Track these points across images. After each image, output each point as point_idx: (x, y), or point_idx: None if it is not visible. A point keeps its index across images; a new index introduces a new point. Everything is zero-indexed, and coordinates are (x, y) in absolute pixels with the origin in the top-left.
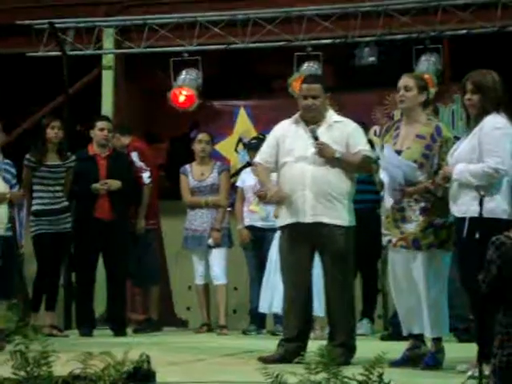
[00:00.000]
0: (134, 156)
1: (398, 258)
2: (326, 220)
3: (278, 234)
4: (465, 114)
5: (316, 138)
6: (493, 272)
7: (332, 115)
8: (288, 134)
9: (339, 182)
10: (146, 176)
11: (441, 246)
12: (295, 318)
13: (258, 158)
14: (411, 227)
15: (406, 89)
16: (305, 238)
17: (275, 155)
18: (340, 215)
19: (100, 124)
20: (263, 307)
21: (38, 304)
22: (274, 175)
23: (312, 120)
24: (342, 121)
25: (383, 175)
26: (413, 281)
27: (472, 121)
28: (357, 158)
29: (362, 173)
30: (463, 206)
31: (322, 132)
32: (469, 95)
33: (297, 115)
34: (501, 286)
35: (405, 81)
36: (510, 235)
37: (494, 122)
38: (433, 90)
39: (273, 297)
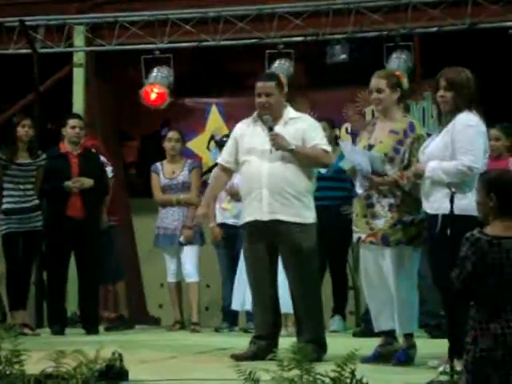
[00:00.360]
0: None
1: (368, 254)
2: (282, 217)
3: None
4: (436, 111)
5: (271, 129)
6: (468, 268)
7: (289, 112)
8: (246, 133)
9: (296, 179)
10: (109, 170)
11: (409, 242)
12: (262, 315)
13: (219, 159)
14: (380, 223)
15: (379, 91)
16: (263, 236)
17: (235, 154)
18: (297, 212)
19: (71, 122)
20: (236, 304)
21: (14, 302)
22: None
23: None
24: (298, 117)
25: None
26: (383, 277)
27: (444, 118)
28: (312, 151)
29: (319, 167)
30: (435, 203)
31: (278, 129)
32: (442, 92)
33: (254, 114)
34: (474, 283)
35: (376, 83)
36: (484, 231)
37: (466, 119)
38: (406, 84)
39: (245, 294)
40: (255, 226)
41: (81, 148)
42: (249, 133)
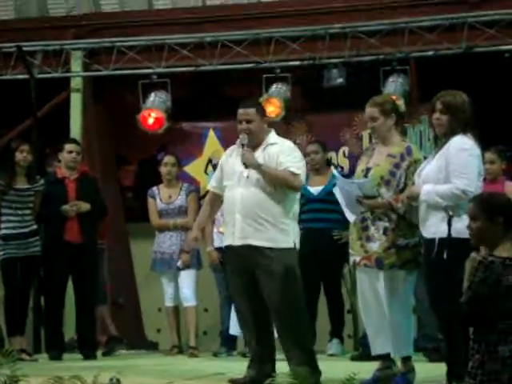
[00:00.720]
0: None
1: (364, 277)
2: (254, 242)
3: None
4: (432, 134)
5: (243, 146)
6: (483, 292)
7: (271, 138)
8: (230, 159)
9: (270, 204)
10: None
11: (403, 266)
12: (252, 341)
13: (208, 184)
14: (375, 246)
15: (373, 119)
16: (239, 262)
17: (221, 180)
18: (271, 237)
19: (68, 147)
20: (233, 329)
21: (13, 328)
22: None
23: (250, 144)
24: (277, 142)
25: (338, 195)
26: (379, 300)
27: (439, 141)
28: (280, 173)
29: (289, 189)
30: (432, 228)
31: (258, 155)
32: (437, 115)
33: (238, 140)
34: (485, 307)
35: (369, 112)
36: (495, 254)
37: (460, 142)
38: (402, 107)
39: None
40: (230, 252)
41: (78, 173)
42: (232, 159)
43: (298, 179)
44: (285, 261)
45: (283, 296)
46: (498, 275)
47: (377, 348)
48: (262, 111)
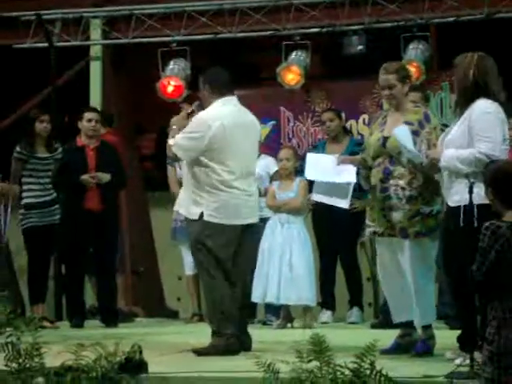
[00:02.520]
0: None
1: (384, 247)
2: (181, 211)
3: (269, 224)
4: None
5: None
6: (491, 258)
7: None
8: None
9: (188, 177)
10: None
11: (428, 233)
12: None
13: None
14: (398, 216)
15: (390, 87)
16: None
17: None
18: (186, 208)
19: (88, 115)
20: (256, 297)
21: (35, 296)
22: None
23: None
24: None
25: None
26: (401, 269)
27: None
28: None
29: None
30: (456, 195)
31: None
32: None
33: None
34: (498, 272)
35: (385, 79)
36: (502, 219)
37: (484, 106)
38: (422, 77)
39: (266, 286)
40: None
41: (97, 141)
42: None
43: (170, 148)
44: (192, 231)
45: (196, 265)
46: (507, 239)
47: (398, 316)
48: (206, 80)
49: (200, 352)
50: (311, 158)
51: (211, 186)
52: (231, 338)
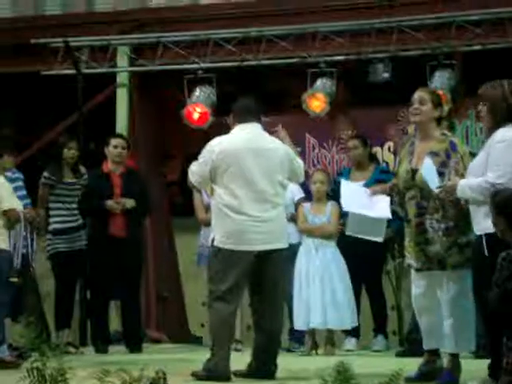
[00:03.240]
0: None
1: (422, 280)
2: None
3: (302, 249)
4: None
5: None
6: (510, 287)
7: None
8: None
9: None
10: None
11: (466, 264)
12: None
13: None
14: (435, 248)
15: (421, 102)
16: None
17: None
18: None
19: (114, 141)
20: (299, 325)
21: (61, 321)
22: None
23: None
24: None
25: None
26: (436, 300)
27: (485, 133)
28: None
29: None
30: (479, 225)
31: None
32: (480, 107)
33: None
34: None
35: (420, 94)
36: None
37: (502, 134)
38: (446, 108)
39: (309, 312)
40: None
41: (123, 167)
42: None
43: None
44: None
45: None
46: None
47: (430, 343)
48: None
49: (195, 375)
50: (346, 186)
51: (218, 210)
52: (220, 363)
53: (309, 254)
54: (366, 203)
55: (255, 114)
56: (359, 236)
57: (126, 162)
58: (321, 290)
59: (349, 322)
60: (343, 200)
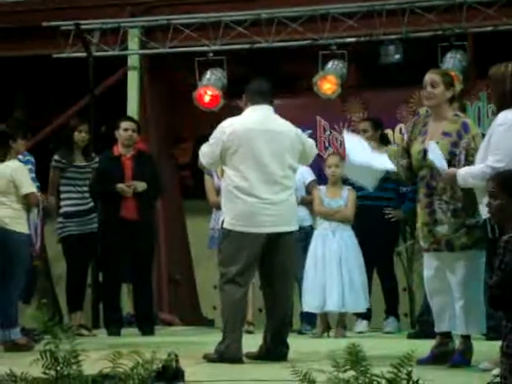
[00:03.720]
0: None
1: (431, 261)
2: None
3: (318, 232)
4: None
5: None
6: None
7: None
8: None
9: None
10: None
11: (474, 245)
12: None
13: None
14: (443, 229)
15: (433, 85)
16: None
17: None
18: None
19: (124, 124)
20: (315, 307)
21: (73, 304)
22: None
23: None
24: None
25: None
26: (446, 281)
27: (494, 115)
28: None
29: None
30: (484, 208)
31: None
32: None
33: None
34: None
35: (431, 77)
36: None
37: (502, 117)
38: (458, 88)
39: (326, 295)
40: None
41: (134, 150)
42: None
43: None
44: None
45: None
46: None
47: (441, 325)
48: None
49: (207, 357)
50: (349, 137)
51: (228, 192)
52: (231, 345)
53: (325, 238)
54: (369, 155)
55: (267, 96)
56: (353, 179)
57: (136, 145)
58: (338, 274)
59: (364, 305)
60: (348, 151)
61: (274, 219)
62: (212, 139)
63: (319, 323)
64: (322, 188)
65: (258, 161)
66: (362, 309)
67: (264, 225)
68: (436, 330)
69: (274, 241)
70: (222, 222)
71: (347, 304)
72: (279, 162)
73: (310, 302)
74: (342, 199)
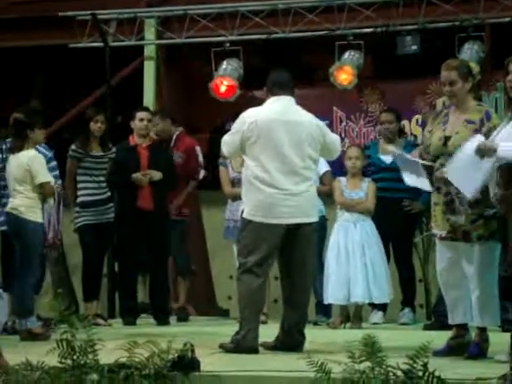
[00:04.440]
0: (199, 151)
1: (446, 250)
2: None
3: (340, 224)
4: (505, 97)
5: None
6: None
7: None
8: None
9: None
10: (202, 173)
11: (491, 237)
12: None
13: None
14: (461, 219)
15: (451, 84)
16: None
17: None
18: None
19: (139, 114)
20: (339, 299)
21: (89, 293)
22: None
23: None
24: None
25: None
26: (461, 272)
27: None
28: None
29: None
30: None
31: None
32: (510, 77)
33: None
34: None
35: (447, 76)
36: None
37: None
38: (476, 72)
39: (350, 287)
40: None
41: (150, 140)
42: None
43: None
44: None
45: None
46: None
47: (455, 317)
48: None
49: (223, 347)
50: (401, 158)
51: (249, 183)
52: (248, 335)
53: (347, 229)
54: (419, 174)
55: (288, 87)
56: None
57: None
58: (362, 265)
59: (388, 295)
60: (404, 175)
61: (293, 210)
62: (233, 129)
63: (338, 314)
64: (343, 179)
65: (278, 151)
66: (386, 299)
67: (283, 216)
68: (450, 322)
69: (293, 232)
70: (242, 212)
71: (373, 295)
72: (299, 152)
73: (334, 294)
74: (363, 191)
